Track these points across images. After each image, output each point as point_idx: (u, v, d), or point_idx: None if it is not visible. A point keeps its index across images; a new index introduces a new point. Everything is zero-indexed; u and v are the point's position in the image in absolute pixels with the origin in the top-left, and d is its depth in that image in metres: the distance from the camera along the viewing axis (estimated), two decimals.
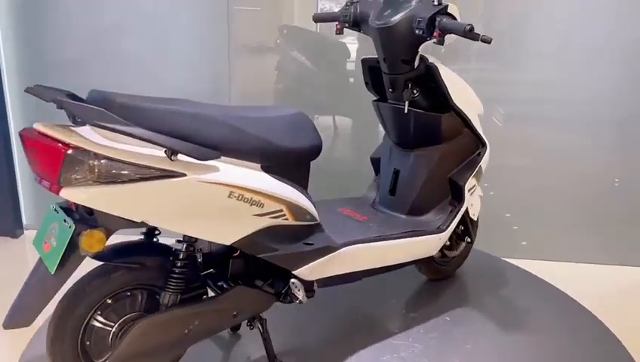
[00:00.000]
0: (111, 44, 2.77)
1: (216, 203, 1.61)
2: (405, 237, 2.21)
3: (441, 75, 2.17)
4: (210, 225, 1.64)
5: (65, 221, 1.55)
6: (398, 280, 2.71)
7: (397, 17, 2.11)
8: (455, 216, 2.34)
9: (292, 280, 1.87)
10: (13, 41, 2.85)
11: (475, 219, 2.62)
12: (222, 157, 1.65)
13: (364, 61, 2.38)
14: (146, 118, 1.53)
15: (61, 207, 1.61)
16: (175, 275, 1.72)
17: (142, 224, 1.56)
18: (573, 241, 2.81)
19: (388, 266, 2.21)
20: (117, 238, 1.72)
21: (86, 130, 1.52)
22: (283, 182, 1.81)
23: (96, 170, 1.45)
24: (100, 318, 1.70)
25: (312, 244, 1.90)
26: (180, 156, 1.55)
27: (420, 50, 2.18)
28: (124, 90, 1.66)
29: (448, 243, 2.58)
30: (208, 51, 2.79)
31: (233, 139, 1.68)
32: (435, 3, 2.02)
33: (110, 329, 1.71)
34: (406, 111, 2.24)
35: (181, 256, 1.72)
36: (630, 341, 2.31)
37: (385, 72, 2.27)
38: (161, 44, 2.81)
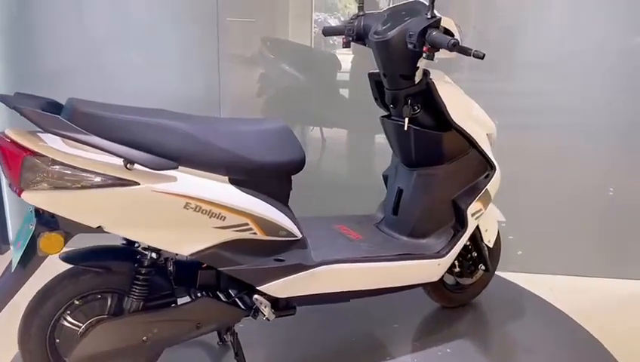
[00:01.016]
0: (103, 55, 2.82)
1: (172, 213, 1.62)
2: (398, 260, 2.10)
3: (439, 92, 2.05)
4: (166, 234, 1.66)
5: (32, 222, 1.63)
6: (409, 304, 2.58)
7: (393, 31, 2.03)
8: (457, 241, 2.20)
9: (255, 296, 1.84)
10: (3, 52, 2.87)
11: (491, 246, 2.44)
12: (184, 168, 1.66)
13: (370, 75, 2.31)
14: (107, 126, 1.58)
15: (35, 209, 1.69)
16: (138, 282, 1.75)
17: (99, 229, 1.60)
18: (571, 252, 2.70)
19: (380, 289, 2.11)
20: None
21: (52, 137, 1.59)
22: (252, 195, 1.79)
23: (52, 175, 1.51)
24: (69, 318, 1.76)
25: (283, 261, 1.86)
26: (138, 165, 1.58)
27: (422, 64, 2.08)
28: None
29: (458, 269, 2.43)
30: (199, 62, 2.82)
31: (195, 150, 1.68)
32: (429, 16, 1.92)
33: (78, 329, 1.77)
34: (405, 128, 2.14)
35: (145, 264, 1.75)
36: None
37: (386, 87, 2.19)
38: (152, 55, 2.84)
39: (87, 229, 1.59)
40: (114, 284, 1.79)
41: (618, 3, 2.76)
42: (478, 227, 2.38)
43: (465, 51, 1.86)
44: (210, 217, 1.68)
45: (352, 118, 2.93)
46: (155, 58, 2.83)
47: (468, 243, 2.40)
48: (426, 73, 2.12)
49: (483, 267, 2.45)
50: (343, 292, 2.02)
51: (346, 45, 2.31)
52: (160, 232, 1.65)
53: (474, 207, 2.18)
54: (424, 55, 1.91)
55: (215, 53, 2.66)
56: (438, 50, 1.92)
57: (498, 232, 2.57)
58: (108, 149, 1.53)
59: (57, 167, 1.51)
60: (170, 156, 1.63)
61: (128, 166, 1.57)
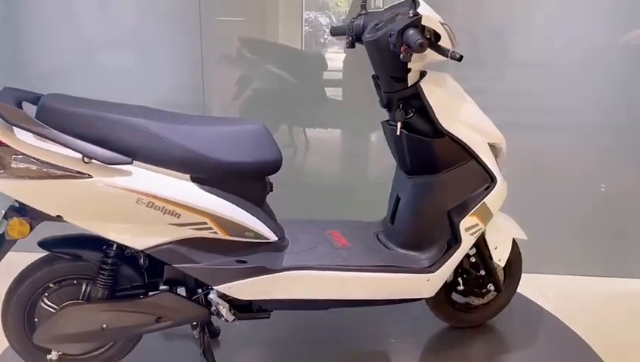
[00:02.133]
0: (91, 56, 2.84)
1: (124, 207, 1.66)
2: (379, 271, 1.99)
3: (426, 95, 1.92)
4: (119, 228, 1.70)
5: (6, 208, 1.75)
6: (413, 320, 2.44)
7: (382, 30, 1.93)
8: (450, 257, 2.04)
9: (210, 295, 1.83)
10: None
11: (502, 265, 2.24)
12: (141, 163, 1.70)
13: (374, 77, 2.21)
14: (69, 121, 1.66)
15: None
16: (103, 271, 1.81)
17: (59, 218, 1.68)
18: (560, 252, 2.60)
19: (360, 300, 2.01)
20: None
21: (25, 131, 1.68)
22: (216, 194, 1.78)
23: (15, 165, 1.61)
24: (46, 300, 1.87)
25: (245, 262, 1.84)
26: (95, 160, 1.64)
27: (416, 66, 1.95)
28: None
29: (462, 287, 2.26)
30: (182, 63, 2.80)
31: (153, 147, 1.71)
32: (410, 14, 1.80)
33: (54, 311, 1.87)
34: (398, 133, 2.03)
35: (111, 254, 1.81)
36: None
37: (382, 90, 2.09)
38: (137, 56, 2.84)
39: (49, 218, 1.68)
40: (85, 271, 1.87)
41: (607, 0, 2.73)
42: (486, 243, 2.20)
43: (441, 51, 1.73)
44: (163, 214, 1.70)
45: (339, 118, 2.89)
46: (141, 59, 2.85)
47: (473, 260, 2.23)
48: (423, 75, 1.99)
49: (492, 287, 2.26)
50: (315, 299, 1.95)
51: (350, 45, 2.23)
52: (114, 225, 1.70)
53: (468, 221, 2.01)
54: (401, 56, 1.79)
55: (199, 54, 2.67)
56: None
57: (519, 252, 2.36)
58: (64, 143, 1.60)
59: (20, 157, 1.61)
60: (127, 151, 1.67)
61: (85, 159, 1.63)
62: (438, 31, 1.82)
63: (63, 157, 1.62)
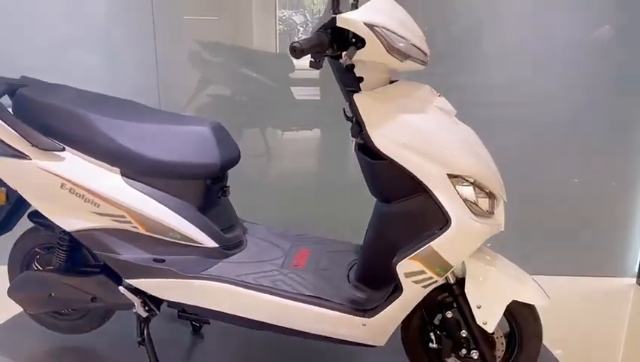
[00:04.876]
0: (58, 57, 2.78)
1: (52, 190, 1.81)
2: (306, 303, 1.77)
3: (358, 109, 1.62)
4: (53, 208, 1.86)
5: None
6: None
7: None
8: (390, 304, 1.70)
9: (120, 287, 1.87)
10: None
11: (490, 331, 1.77)
12: (76, 152, 1.83)
13: None
14: (33, 109, 1.87)
15: None
16: (59, 247, 2.01)
17: (17, 192, 1.91)
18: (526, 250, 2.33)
19: (285, 328, 1.82)
20: None
21: None
22: (142, 191, 1.82)
23: None
24: (36, 263, 2.16)
25: (163, 261, 1.83)
26: None
27: (371, 74, 1.66)
28: None
29: (435, 345, 1.85)
30: (135, 64, 2.71)
31: (85, 137, 1.82)
32: (332, 14, 1.54)
33: None
34: (353, 150, 1.77)
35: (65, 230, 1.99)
36: None
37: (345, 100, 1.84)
38: (95, 57, 2.77)
39: (12, 190, 1.93)
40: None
41: None
42: (467, 299, 1.77)
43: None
44: (84, 201, 1.80)
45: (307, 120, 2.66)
46: (99, 59, 2.80)
47: (450, 315, 1.82)
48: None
49: (475, 355, 1.81)
50: (239, 316, 1.83)
51: None
52: (49, 205, 1.86)
53: (408, 265, 1.64)
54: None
55: (153, 54, 2.59)
56: (340, 57, 1.54)
57: (537, 320, 1.84)
58: (13, 127, 1.82)
59: None
60: (64, 139, 1.82)
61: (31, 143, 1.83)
62: (360, 34, 1.51)
63: (17, 139, 1.84)
